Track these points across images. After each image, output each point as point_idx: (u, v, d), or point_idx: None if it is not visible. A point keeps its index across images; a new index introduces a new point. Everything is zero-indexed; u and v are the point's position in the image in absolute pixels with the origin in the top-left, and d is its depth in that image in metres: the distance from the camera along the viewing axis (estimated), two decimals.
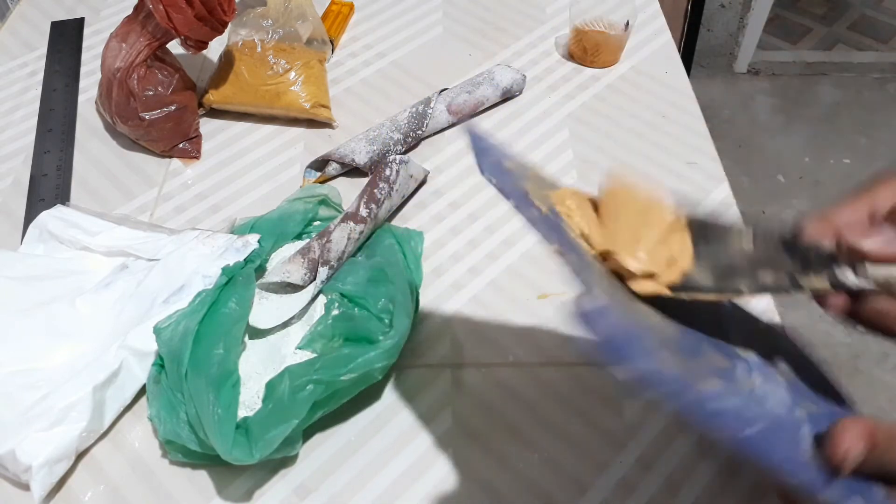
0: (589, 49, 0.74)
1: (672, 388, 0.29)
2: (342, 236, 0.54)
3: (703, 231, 0.37)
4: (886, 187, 0.34)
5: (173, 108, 0.65)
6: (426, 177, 0.64)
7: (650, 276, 0.36)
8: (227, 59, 0.69)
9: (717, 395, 0.31)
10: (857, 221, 0.35)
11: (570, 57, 0.77)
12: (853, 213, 0.35)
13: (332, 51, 0.78)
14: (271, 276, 0.53)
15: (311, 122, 0.71)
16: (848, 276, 0.34)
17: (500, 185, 0.35)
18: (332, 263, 0.53)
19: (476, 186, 0.64)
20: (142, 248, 0.55)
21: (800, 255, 0.35)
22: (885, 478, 0.31)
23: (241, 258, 0.52)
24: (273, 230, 0.56)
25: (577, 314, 0.28)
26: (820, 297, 0.34)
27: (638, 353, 0.28)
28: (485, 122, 0.70)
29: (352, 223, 0.54)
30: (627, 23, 0.73)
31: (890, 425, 0.31)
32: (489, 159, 0.37)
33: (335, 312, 0.52)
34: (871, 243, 0.33)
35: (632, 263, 0.35)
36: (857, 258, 0.34)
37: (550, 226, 0.35)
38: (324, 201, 0.59)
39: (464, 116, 0.70)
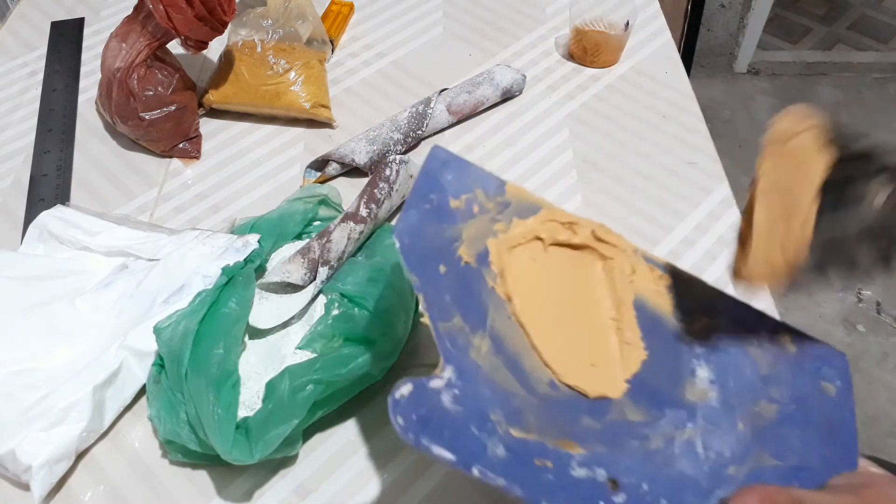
0: (589, 49, 0.74)
1: (500, 465, 0.29)
2: (342, 236, 0.54)
3: (841, 184, 0.34)
4: None
5: (173, 108, 0.65)
6: None
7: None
8: (227, 59, 0.69)
9: (580, 462, 0.32)
10: None
11: (570, 57, 0.77)
12: None
13: (332, 51, 0.78)
14: (271, 276, 0.53)
15: (311, 122, 0.71)
16: None
17: (404, 248, 0.35)
18: (332, 263, 0.53)
19: None
20: (142, 248, 0.55)
21: None
22: None
23: (241, 258, 0.52)
24: (273, 230, 0.56)
25: (394, 402, 0.29)
26: None
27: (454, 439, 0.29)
28: (485, 122, 0.70)
29: (352, 223, 0.54)
30: (627, 23, 0.73)
31: (792, 490, 0.29)
32: (423, 207, 0.37)
33: (335, 312, 0.52)
34: None
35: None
36: None
37: (448, 282, 0.36)
38: (324, 201, 0.59)
39: (464, 116, 0.70)
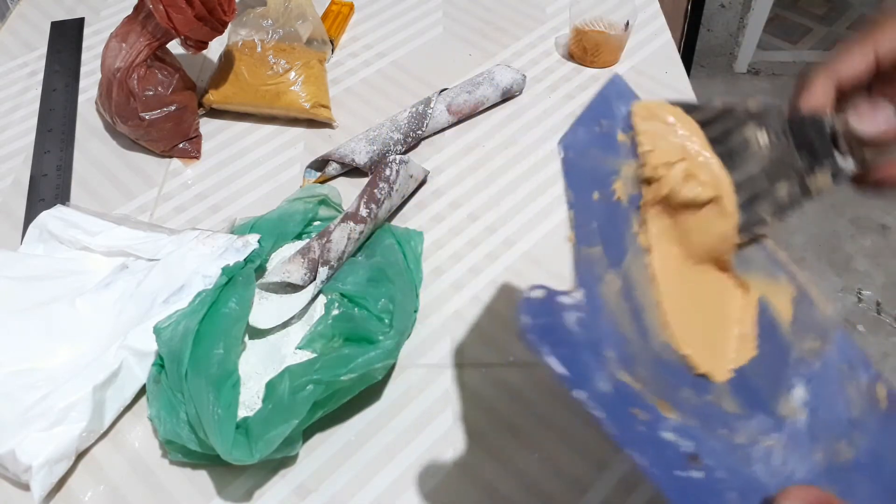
0: (589, 49, 0.74)
1: (602, 399, 0.30)
2: (342, 236, 0.54)
3: (722, 138, 0.37)
4: (889, 31, 0.32)
5: (173, 108, 0.65)
6: (426, 177, 0.64)
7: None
8: (227, 59, 0.69)
9: (672, 427, 0.32)
10: (859, 74, 0.32)
11: (570, 57, 0.77)
12: (855, 65, 0.32)
13: (332, 51, 0.78)
14: (271, 276, 0.53)
15: (311, 122, 0.71)
16: (849, 164, 0.33)
17: (567, 160, 0.35)
18: (332, 263, 0.53)
19: (476, 186, 0.64)
20: (142, 248, 0.55)
21: (805, 140, 0.34)
22: None
23: (241, 258, 0.52)
24: (273, 230, 0.56)
25: (526, 301, 0.30)
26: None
27: (574, 358, 0.30)
28: (485, 122, 0.70)
29: (352, 223, 0.54)
30: (627, 23, 0.73)
31: (842, 502, 0.30)
32: (593, 129, 0.37)
33: (335, 312, 0.52)
34: (869, 125, 0.32)
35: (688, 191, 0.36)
36: (856, 143, 0.33)
37: (599, 212, 0.35)
38: (324, 201, 0.59)
39: (464, 116, 0.70)
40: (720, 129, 0.37)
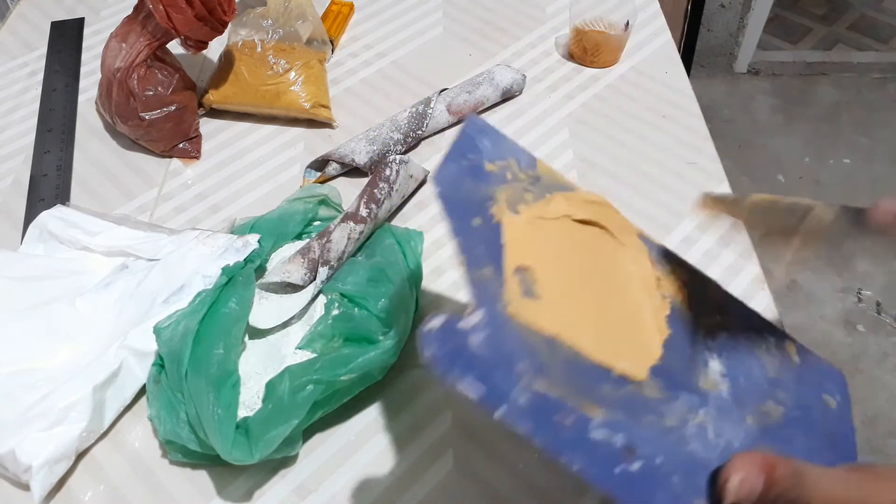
0: (589, 49, 0.74)
1: (523, 413, 0.30)
2: (342, 236, 0.54)
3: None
4: None
5: (173, 108, 0.65)
6: (426, 177, 0.64)
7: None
8: (227, 59, 0.69)
9: (600, 425, 0.32)
10: None
11: (570, 57, 0.77)
12: None
13: (332, 51, 0.78)
14: (271, 276, 0.53)
15: (311, 122, 0.71)
16: None
17: (443, 193, 0.36)
18: (332, 263, 0.53)
19: None
20: (142, 248, 0.55)
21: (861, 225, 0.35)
22: None
23: (241, 258, 0.52)
24: (273, 230, 0.56)
25: (425, 333, 0.29)
26: None
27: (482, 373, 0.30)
28: None
29: (352, 223, 0.54)
30: (627, 23, 0.73)
31: (793, 461, 0.30)
32: (462, 163, 0.38)
33: (335, 312, 0.52)
34: None
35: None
36: None
37: (482, 236, 0.36)
38: (324, 201, 0.59)
39: (464, 116, 0.70)
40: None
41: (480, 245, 0.35)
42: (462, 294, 0.56)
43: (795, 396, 0.38)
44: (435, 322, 0.30)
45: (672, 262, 0.43)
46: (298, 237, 0.58)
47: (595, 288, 0.39)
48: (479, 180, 0.38)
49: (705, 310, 0.41)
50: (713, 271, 0.57)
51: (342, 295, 0.52)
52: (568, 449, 0.30)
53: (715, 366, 0.39)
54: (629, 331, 0.39)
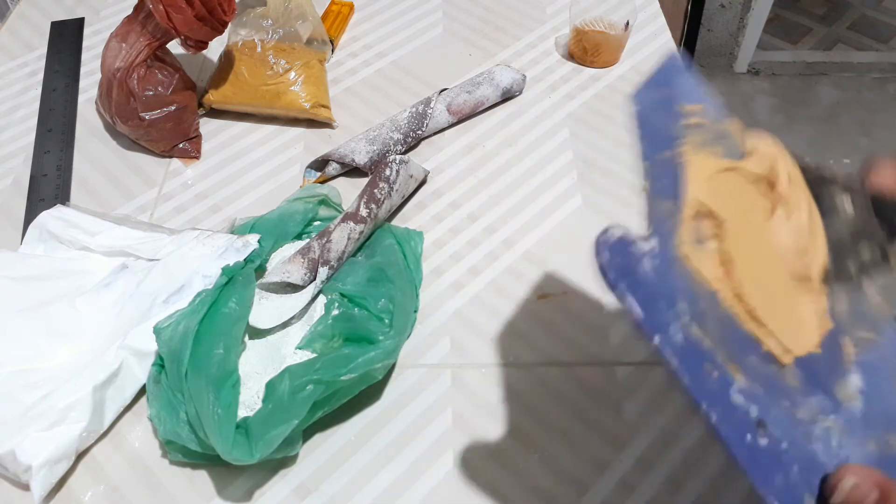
0: (589, 49, 0.74)
1: (676, 348, 0.30)
2: (342, 236, 0.54)
3: (814, 196, 0.38)
4: None
5: (173, 108, 0.65)
6: (426, 177, 0.64)
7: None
8: (227, 59, 0.69)
9: (744, 391, 0.31)
10: None
11: (570, 57, 0.77)
12: None
13: (332, 51, 0.78)
14: (271, 276, 0.53)
15: (311, 122, 0.71)
16: None
17: (640, 113, 0.36)
18: (332, 263, 0.53)
19: (476, 186, 0.64)
20: (142, 248, 0.55)
21: (884, 214, 0.36)
22: None
23: (241, 258, 0.52)
24: (273, 230, 0.56)
25: (604, 237, 0.30)
26: None
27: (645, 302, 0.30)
28: (485, 122, 0.70)
29: (352, 223, 0.54)
30: (627, 23, 0.73)
31: None
32: (659, 92, 0.38)
33: (335, 312, 0.52)
34: None
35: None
36: None
37: (668, 171, 0.36)
38: (324, 201, 0.59)
39: (464, 116, 0.70)
40: (812, 188, 0.39)
41: (665, 178, 0.35)
42: (465, 293, 0.56)
43: None
44: (614, 232, 0.30)
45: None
46: (298, 237, 0.58)
47: (767, 257, 0.38)
48: (671, 117, 0.38)
49: (861, 323, 0.40)
50: None
51: (342, 295, 0.52)
52: (709, 399, 0.30)
53: (854, 380, 0.38)
54: (790, 311, 0.38)
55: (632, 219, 0.61)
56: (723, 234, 0.36)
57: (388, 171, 0.58)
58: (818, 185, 0.39)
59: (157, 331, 0.47)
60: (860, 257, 0.38)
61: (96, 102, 0.70)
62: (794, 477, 0.31)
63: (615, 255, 0.30)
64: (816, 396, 0.36)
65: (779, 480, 0.31)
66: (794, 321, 0.38)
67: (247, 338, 0.51)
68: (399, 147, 0.66)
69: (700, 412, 0.30)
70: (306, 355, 0.50)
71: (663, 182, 0.35)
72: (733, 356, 0.33)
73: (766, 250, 0.38)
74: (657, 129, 0.36)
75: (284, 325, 0.52)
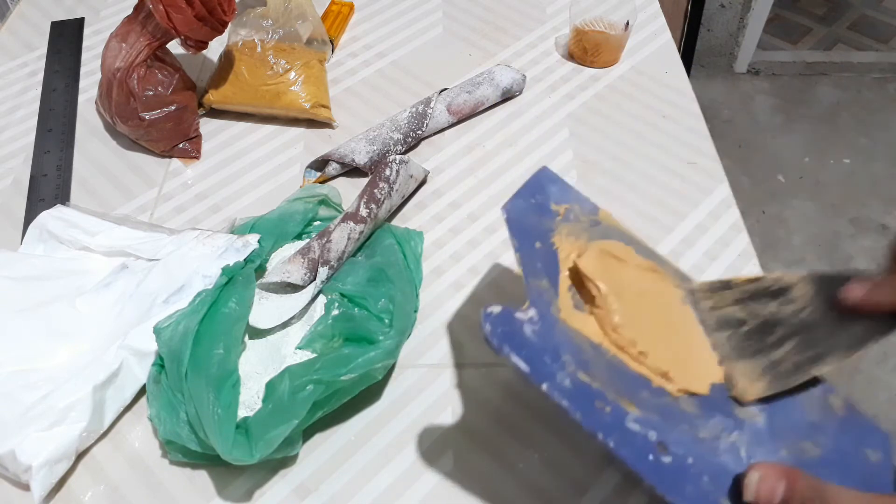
0: (589, 49, 0.74)
1: (566, 392, 0.33)
2: (342, 236, 0.54)
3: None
4: None
5: (173, 108, 0.65)
6: (426, 177, 0.64)
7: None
8: (227, 59, 0.69)
9: (640, 420, 0.35)
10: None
11: (570, 57, 0.77)
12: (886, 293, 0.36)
13: (332, 51, 0.78)
14: (271, 276, 0.53)
15: (311, 122, 0.71)
16: None
17: (510, 219, 0.42)
18: (332, 263, 0.53)
19: (476, 186, 0.64)
20: (142, 248, 0.55)
21: (853, 329, 0.38)
22: None
23: (241, 258, 0.52)
24: (273, 230, 0.56)
25: (486, 314, 0.34)
26: None
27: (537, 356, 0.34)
28: (485, 122, 0.70)
29: (352, 223, 0.54)
30: (627, 23, 0.73)
31: (814, 479, 0.31)
32: (530, 201, 0.44)
33: (335, 312, 0.52)
34: None
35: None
36: None
37: (541, 256, 0.41)
38: (324, 201, 0.59)
39: (464, 116, 0.70)
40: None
41: (539, 262, 0.40)
42: (465, 293, 0.56)
43: (835, 442, 0.39)
44: (496, 308, 0.35)
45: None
46: (298, 237, 0.58)
47: (648, 309, 0.42)
48: (543, 216, 0.44)
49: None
50: (713, 272, 0.57)
51: (342, 295, 0.52)
52: (604, 430, 0.33)
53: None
54: (680, 354, 0.41)
55: (631, 219, 0.61)
56: (597, 300, 0.41)
57: (388, 171, 0.58)
58: (760, 295, 0.42)
59: (157, 331, 0.47)
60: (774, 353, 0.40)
61: (96, 102, 0.70)
62: (705, 486, 0.34)
63: (497, 326, 0.34)
64: (715, 418, 0.38)
65: (689, 490, 0.33)
66: (683, 366, 0.41)
67: (247, 338, 0.51)
68: (399, 147, 0.66)
69: (598, 441, 0.33)
70: (306, 355, 0.50)
71: (537, 265, 0.40)
72: (625, 393, 0.36)
73: (643, 311, 0.42)
74: (529, 228, 0.42)
75: (284, 325, 0.52)
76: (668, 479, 0.33)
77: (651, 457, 0.33)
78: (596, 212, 0.47)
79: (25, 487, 0.46)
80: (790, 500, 0.31)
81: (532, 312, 0.36)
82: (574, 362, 0.35)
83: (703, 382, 0.40)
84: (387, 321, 0.49)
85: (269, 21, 0.69)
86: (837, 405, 0.40)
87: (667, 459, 0.34)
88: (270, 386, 0.45)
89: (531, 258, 0.40)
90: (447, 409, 0.50)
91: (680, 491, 0.33)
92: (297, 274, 0.52)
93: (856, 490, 0.32)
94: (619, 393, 0.36)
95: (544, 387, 0.33)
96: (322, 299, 0.54)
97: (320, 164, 0.65)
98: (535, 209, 0.44)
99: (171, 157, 0.68)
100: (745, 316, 0.42)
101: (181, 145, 0.67)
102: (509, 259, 0.59)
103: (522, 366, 0.33)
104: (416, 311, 0.54)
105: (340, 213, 0.59)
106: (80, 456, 0.48)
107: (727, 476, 0.35)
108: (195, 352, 0.45)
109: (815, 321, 0.39)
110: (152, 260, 0.55)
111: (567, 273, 0.42)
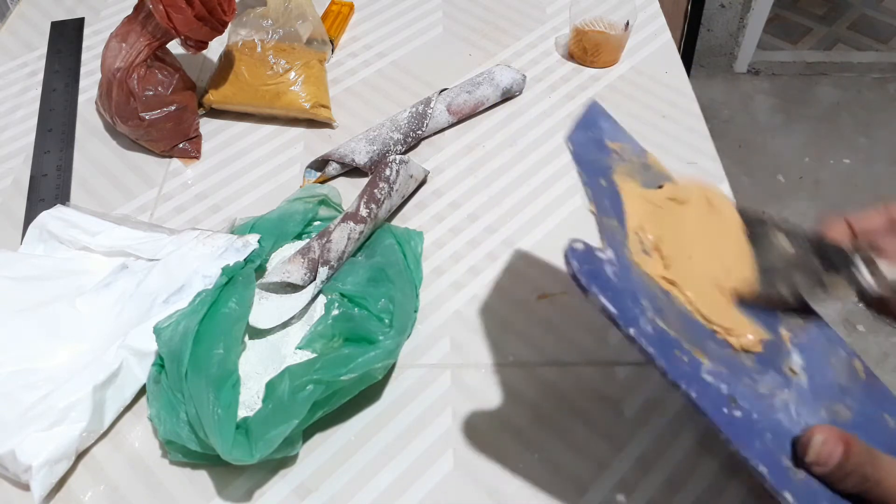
0: (589, 49, 0.74)
1: (649, 338, 0.33)
2: (342, 236, 0.54)
3: (751, 232, 0.43)
4: None
5: (173, 108, 0.65)
6: (426, 177, 0.64)
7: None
8: (227, 59, 0.69)
9: (712, 372, 0.35)
10: (876, 228, 0.38)
11: (570, 57, 0.77)
12: (873, 220, 0.38)
13: (332, 51, 0.78)
14: (271, 276, 0.53)
15: (311, 122, 0.71)
16: (864, 276, 0.38)
17: (576, 150, 0.41)
18: (332, 263, 0.53)
19: (476, 186, 0.64)
20: (142, 248, 0.55)
21: (825, 255, 0.40)
22: (851, 495, 0.33)
23: (241, 258, 0.52)
24: (273, 230, 0.56)
25: (571, 250, 0.33)
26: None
27: (620, 299, 0.33)
28: (485, 122, 0.70)
29: (352, 223, 0.54)
30: (627, 23, 0.73)
31: (866, 445, 0.33)
32: (588, 133, 0.43)
33: (335, 312, 0.52)
34: (888, 243, 0.37)
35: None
36: (872, 260, 0.38)
37: (607, 194, 0.40)
38: (324, 201, 0.59)
39: (464, 116, 0.70)
40: (752, 230, 0.43)
41: (607, 200, 0.39)
42: (465, 293, 0.56)
43: (861, 406, 0.40)
44: (579, 244, 0.34)
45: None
46: (298, 237, 0.58)
47: (704, 262, 0.42)
48: (600, 152, 0.42)
49: (791, 309, 0.43)
50: None
51: (342, 295, 0.52)
52: (686, 379, 0.33)
53: (796, 358, 0.41)
54: (731, 306, 0.41)
55: None
56: (661, 246, 0.40)
57: (388, 171, 0.58)
58: (757, 224, 0.43)
59: (157, 331, 0.47)
60: (793, 283, 0.41)
61: (96, 102, 0.70)
62: (768, 442, 0.34)
63: (583, 264, 0.33)
64: (770, 374, 0.39)
65: (758, 446, 0.34)
66: (734, 322, 0.41)
67: (247, 338, 0.51)
68: (399, 147, 0.66)
69: (680, 392, 0.33)
70: (306, 355, 0.50)
71: (605, 203, 0.39)
72: (695, 343, 0.36)
73: (697, 262, 0.41)
74: (591, 162, 0.41)
75: (284, 325, 0.52)
76: (742, 433, 0.33)
77: (725, 410, 0.33)
78: (644, 155, 0.46)
79: (25, 487, 0.46)
80: (846, 464, 0.33)
81: (610, 253, 0.35)
82: (651, 308, 0.35)
83: (757, 338, 0.40)
84: (387, 321, 0.49)
85: (269, 21, 0.69)
86: (860, 368, 0.41)
87: (738, 413, 0.34)
88: (270, 386, 0.45)
89: (600, 195, 0.39)
90: (447, 409, 0.50)
91: (751, 446, 0.33)
92: (297, 274, 0.52)
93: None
94: (691, 342, 0.35)
95: (631, 331, 0.32)
96: (322, 299, 0.54)
97: (320, 164, 0.65)
98: (594, 144, 0.43)
99: (171, 157, 0.68)
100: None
101: (181, 145, 0.67)
102: (509, 258, 0.59)
103: (611, 308, 0.32)
104: (416, 311, 0.54)
105: (340, 213, 0.59)
106: (80, 456, 0.48)
107: (783, 433, 0.35)
108: (195, 352, 0.45)
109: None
110: (152, 260, 0.55)
111: (631, 214, 0.41)
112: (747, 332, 0.40)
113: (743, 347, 0.39)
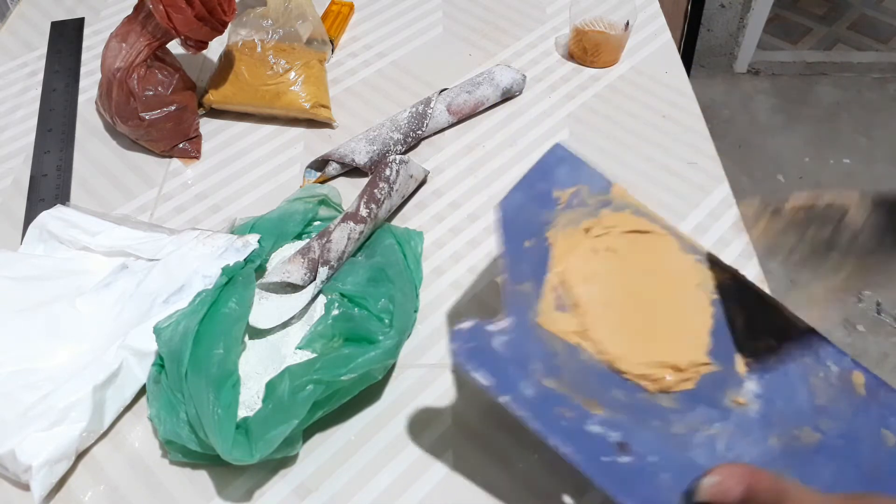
0: (589, 49, 0.74)
1: (526, 402, 0.35)
2: (342, 236, 0.54)
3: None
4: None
5: (173, 108, 0.65)
6: (426, 177, 0.64)
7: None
8: (227, 59, 0.69)
9: (599, 421, 0.35)
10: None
11: (570, 57, 0.77)
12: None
13: (332, 51, 0.78)
14: (271, 276, 0.53)
15: (311, 122, 0.71)
16: None
17: (503, 218, 0.42)
18: (332, 263, 0.53)
19: (476, 186, 0.64)
20: (142, 248, 0.55)
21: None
22: None
23: (241, 258, 0.52)
24: (273, 230, 0.56)
25: (457, 331, 0.36)
26: None
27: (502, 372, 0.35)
28: (485, 122, 0.70)
29: (352, 223, 0.54)
30: (627, 23, 0.73)
31: (782, 479, 0.30)
32: (530, 191, 0.44)
33: (335, 312, 0.52)
34: None
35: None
36: None
37: (531, 256, 0.41)
38: (324, 201, 0.59)
39: (464, 116, 0.70)
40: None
41: (526, 263, 0.41)
42: (465, 293, 0.56)
43: (845, 426, 0.38)
44: (467, 323, 0.36)
45: (724, 272, 0.45)
46: (298, 237, 0.58)
47: (638, 301, 0.42)
48: (543, 207, 0.43)
49: (761, 334, 0.42)
50: None
51: (342, 295, 0.52)
52: (560, 435, 0.34)
53: (750, 386, 0.40)
54: (666, 346, 0.41)
55: None
56: (584, 296, 0.41)
57: (388, 171, 0.58)
58: (814, 220, 0.41)
59: (157, 331, 0.47)
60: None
61: (96, 102, 0.70)
62: (663, 483, 0.34)
63: (468, 342, 0.36)
64: (697, 411, 0.39)
65: (643, 489, 0.34)
66: (674, 352, 0.41)
67: (247, 338, 0.51)
68: (399, 147, 0.66)
69: (550, 446, 0.34)
70: (306, 355, 0.50)
71: (523, 267, 0.41)
72: (594, 394, 0.37)
73: (624, 310, 0.42)
74: (523, 224, 0.42)
75: (284, 325, 0.52)
76: (620, 479, 0.34)
77: (605, 458, 0.34)
78: (608, 190, 0.46)
79: (25, 487, 0.46)
80: (750, 502, 0.30)
81: (505, 323, 0.37)
82: (543, 369, 0.36)
83: (680, 378, 0.40)
84: (387, 321, 0.49)
85: (269, 21, 0.69)
86: (859, 383, 0.39)
87: (624, 459, 0.34)
88: (270, 386, 0.45)
89: (517, 260, 0.41)
90: (447, 409, 0.50)
91: (630, 491, 0.33)
92: (297, 274, 0.52)
93: (822, 493, 0.31)
94: (587, 395, 0.37)
95: (501, 400, 0.35)
96: (322, 299, 0.54)
97: (320, 164, 0.65)
98: (535, 200, 0.43)
99: (171, 157, 0.68)
100: (795, 242, 0.41)
101: (181, 145, 0.67)
102: None
103: (483, 381, 0.35)
104: (416, 311, 0.54)
105: (340, 213, 0.59)
106: (80, 456, 0.48)
107: (695, 471, 0.33)
108: (195, 352, 0.45)
109: (872, 247, 0.38)
110: (152, 260, 0.55)
111: (557, 271, 0.42)
112: (666, 374, 0.39)
113: (661, 389, 0.39)
